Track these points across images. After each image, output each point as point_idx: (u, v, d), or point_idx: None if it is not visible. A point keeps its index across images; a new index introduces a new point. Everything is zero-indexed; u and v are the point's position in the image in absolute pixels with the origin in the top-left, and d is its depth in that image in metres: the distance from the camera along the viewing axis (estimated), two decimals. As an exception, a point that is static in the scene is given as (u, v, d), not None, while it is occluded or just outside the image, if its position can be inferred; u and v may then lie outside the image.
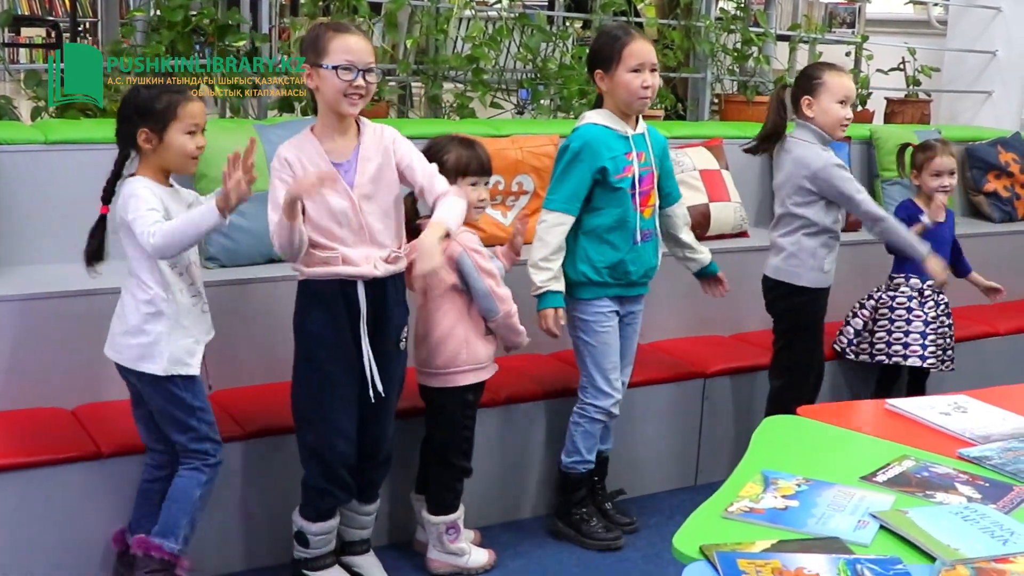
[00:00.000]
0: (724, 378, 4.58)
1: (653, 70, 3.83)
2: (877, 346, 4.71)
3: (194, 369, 3.23)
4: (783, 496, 2.49)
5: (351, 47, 3.27)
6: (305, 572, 3.57)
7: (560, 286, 3.82)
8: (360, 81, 3.26)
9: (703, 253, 4.17)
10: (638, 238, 3.88)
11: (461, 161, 3.66)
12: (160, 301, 3.18)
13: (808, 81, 4.24)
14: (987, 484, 2.65)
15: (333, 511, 3.53)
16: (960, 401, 3.28)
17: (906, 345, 4.64)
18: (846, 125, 4.21)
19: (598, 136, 3.81)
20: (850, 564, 2.14)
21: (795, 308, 4.32)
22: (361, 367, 3.40)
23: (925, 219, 4.59)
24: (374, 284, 3.38)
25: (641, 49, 3.80)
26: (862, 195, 4.23)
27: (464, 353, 3.69)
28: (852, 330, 4.79)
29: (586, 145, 3.79)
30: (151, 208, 3.11)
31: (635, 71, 3.79)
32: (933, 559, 2.22)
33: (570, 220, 3.82)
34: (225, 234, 3.89)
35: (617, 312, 3.97)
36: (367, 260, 3.35)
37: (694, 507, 2.46)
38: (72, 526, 3.37)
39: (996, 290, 4.92)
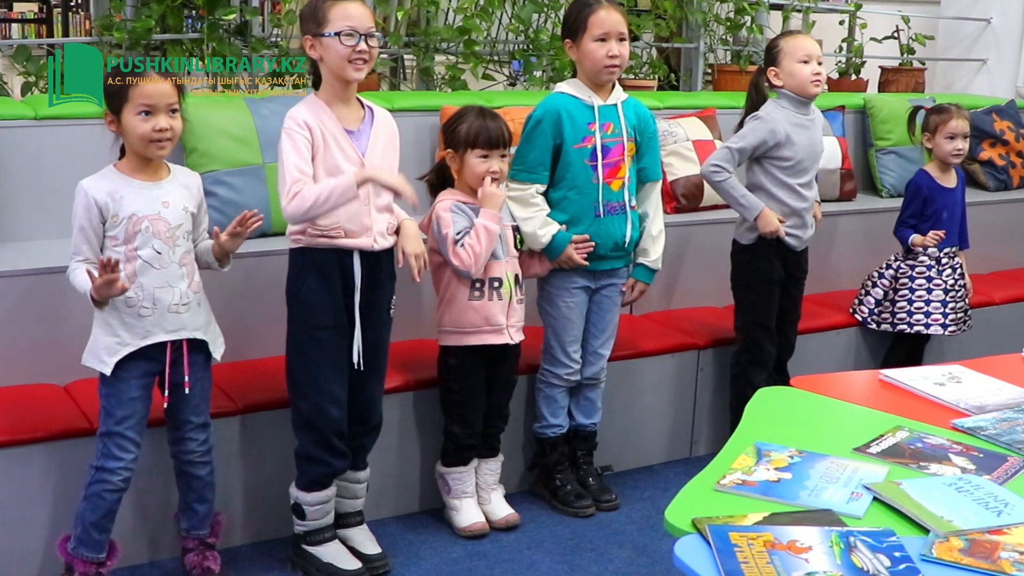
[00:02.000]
0: (718, 349, 4.56)
1: (621, 39, 3.81)
2: (898, 315, 4.78)
3: (105, 368, 3.12)
4: (776, 468, 2.49)
5: (351, 13, 3.29)
6: (304, 546, 3.58)
7: (556, 226, 3.84)
8: (363, 46, 3.28)
9: (647, 256, 4.06)
10: (601, 210, 3.86)
11: (470, 133, 3.69)
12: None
13: (769, 54, 4.29)
14: (981, 455, 2.65)
15: (328, 480, 3.54)
16: (954, 371, 3.29)
17: (927, 314, 4.72)
18: (818, 81, 4.19)
19: (561, 105, 3.83)
20: (843, 536, 2.14)
21: (736, 266, 4.34)
22: (352, 335, 3.43)
23: (930, 241, 4.68)
24: (370, 256, 3.40)
25: (607, 18, 3.78)
26: (725, 148, 4.19)
27: (446, 315, 3.78)
28: (873, 300, 4.85)
29: (547, 114, 3.81)
30: (81, 227, 3.09)
31: (600, 40, 3.78)
32: (927, 531, 2.22)
33: (537, 187, 3.83)
34: (218, 209, 3.87)
35: (588, 287, 3.97)
36: (367, 232, 3.36)
37: (689, 479, 2.47)
38: (67, 502, 3.36)
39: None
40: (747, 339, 4.35)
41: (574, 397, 4.10)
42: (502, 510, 3.94)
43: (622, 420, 4.38)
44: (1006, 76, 7.26)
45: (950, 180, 4.81)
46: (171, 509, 3.47)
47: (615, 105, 3.89)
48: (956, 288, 4.79)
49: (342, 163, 3.31)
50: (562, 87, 3.91)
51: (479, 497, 3.94)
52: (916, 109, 4.99)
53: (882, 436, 2.74)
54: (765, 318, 4.32)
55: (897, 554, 2.09)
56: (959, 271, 4.83)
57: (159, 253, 3.12)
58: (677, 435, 4.58)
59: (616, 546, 3.85)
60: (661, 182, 4.15)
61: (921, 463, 2.58)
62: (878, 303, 4.84)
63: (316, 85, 3.43)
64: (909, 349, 4.88)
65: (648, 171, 4.01)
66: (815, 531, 2.16)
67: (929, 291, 4.72)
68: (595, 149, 3.83)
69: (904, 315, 4.76)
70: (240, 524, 3.68)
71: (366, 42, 3.28)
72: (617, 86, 3.93)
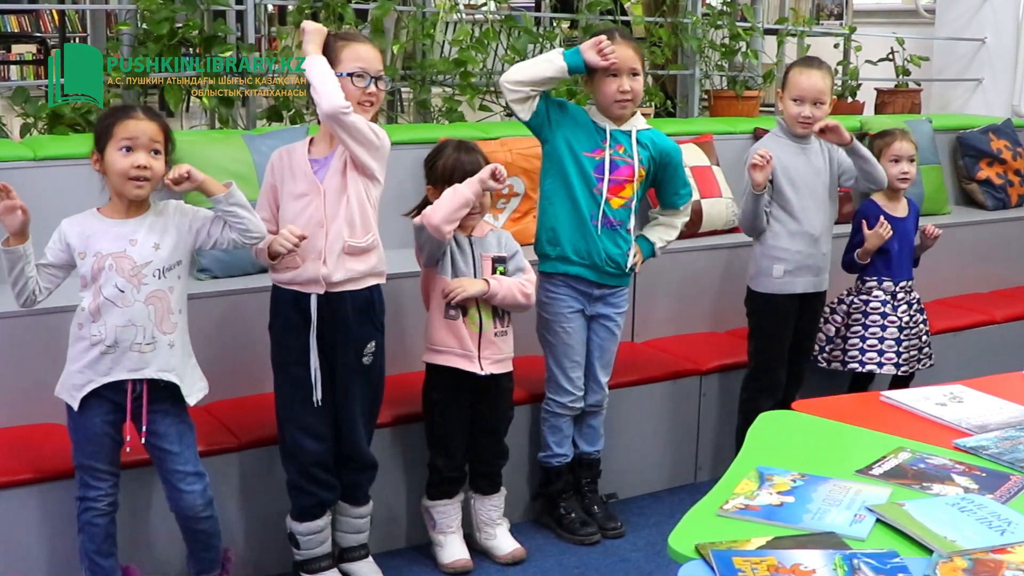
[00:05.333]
0: (720, 374, 4.57)
1: (634, 75, 3.87)
2: (850, 353, 4.53)
3: (73, 402, 3.13)
4: (778, 492, 2.48)
5: (362, 55, 3.35)
6: (302, 574, 3.61)
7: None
8: (373, 88, 3.33)
9: (650, 235, 4.12)
10: (599, 222, 3.89)
11: (447, 167, 3.70)
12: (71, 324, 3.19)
13: (784, 75, 4.32)
14: (984, 474, 2.65)
15: (319, 511, 3.56)
16: (956, 391, 3.28)
17: (881, 352, 4.48)
18: (805, 123, 4.19)
19: (579, 112, 3.94)
20: (847, 559, 2.14)
21: (752, 298, 4.36)
22: (327, 371, 3.46)
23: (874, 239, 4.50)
24: (329, 298, 3.41)
25: (618, 54, 3.82)
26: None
27: (427, 330, 3.79)
28: (824, 337, 4.60)
29: (567, 103, 3.95)
30: (47, 248, 3.13)
31: (612, 76, 3.83)
32: (930, 552, 2.21)
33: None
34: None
35: (582, 312, 3.98)
36: (318, 257, 3.37)
37: (693, 505, 2.47)
38: (68, 541, 3.36)
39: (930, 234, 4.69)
40: (758, 366, 4.34)
41: (577, 425, 4.10)
42: (508, 545, 3.93)
43: (626, 447, 4.38)
44: (1002, 95, 7.26)
45: (900, 209, 4.61)
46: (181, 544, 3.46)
47: (628, 132, 3.93)
48: (912, 324, 4.57)
49: (302, 189, 3.39)
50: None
51: (484, 533, 3.93)
52: (861, 136, 4.87)
53: (884, 458, 2.73)
54: (779, 346, 4.32)
55: (901, 575, 2.09)
56: (916, 305, 4.61)
57: (122, 291, 3.08)
58: (681, 461, 4.58)
59: (622, 573, 3.86)
60: (687, 210, 4.20)
61: (924, 484, 2.58)
62: (829, 340, 4.59)
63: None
64: (864, 384, 4.66)
65: (673, 199, 4.11)
66: (819, 554, 2.16)
67: (883, 328, 4.49)
68: (603, 162, 3.87)
69: (856, 352, 4.51)
70: (243, 559, 3.66)
71: (376, 85, 3.33)
72: (638, 116, 3.98)
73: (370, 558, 3.72)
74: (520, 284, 3.76)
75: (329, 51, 3.35)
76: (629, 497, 4.41)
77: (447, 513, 3.86)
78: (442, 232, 3.58)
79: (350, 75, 3.31)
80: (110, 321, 3.09)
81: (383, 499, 3.87)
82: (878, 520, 2.36)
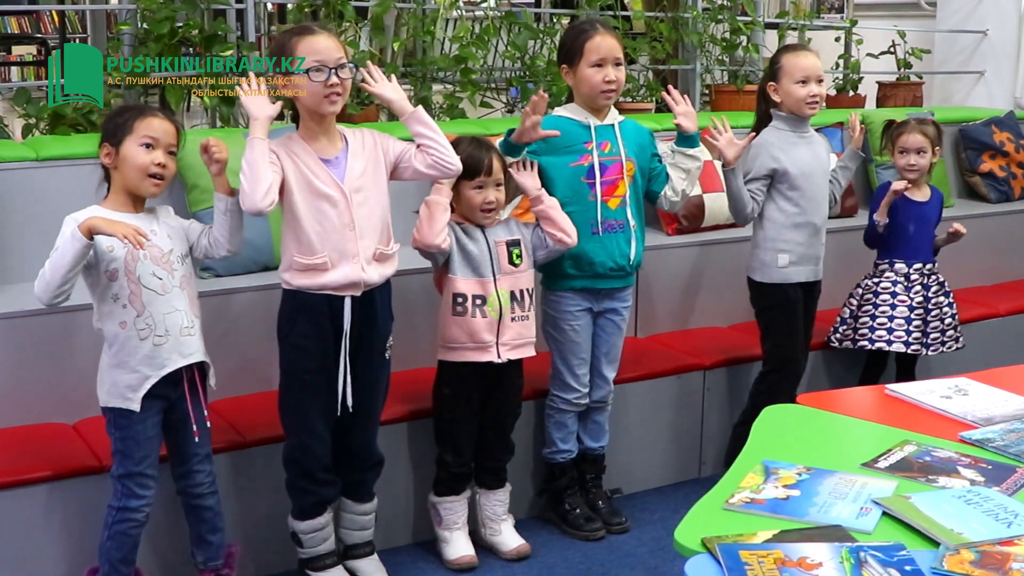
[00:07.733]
0: (724, 369, 4.57)
1: (618, 64, 3.85)
2: (860, 331, 4.61)
3: (132, 404, 3.11)
4: (784, 486, 2.49)
5: (318, 48, 3.27)
6: (308, 571, 3.61)
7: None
8: (334, 79, 3.26)
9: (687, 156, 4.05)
10: (599, 228, 3.88)
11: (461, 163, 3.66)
12: (101, 329, 3.16)
13: (771, 67, 4.29)
14: (990, 467, 2.65)
15: (319, 508, 3.55)
16: (961, 384, 3.28)
17: (890, 331, 4.55)
18: (813, 103, 4.18)
19: (555, 127, 3.83)
20: (853, 552, 2.14)
21: (758, 295, 4.34)
22: (343, 376, 3.43)
23: (897, 185, 4.50)
24: (362, 297, 3.39)
25: (602, 44, 3.82)
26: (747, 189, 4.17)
27: (439, 329, 3.78)
28: (839, 319, 4.71)
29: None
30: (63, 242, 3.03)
31: (597, 66, 3.83)
32: (937, 544, 2.21)
33: None
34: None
35: (590, 309, 3.98)
36: (353, 259, 3.34)
37: (698, 499, 2.47)
38: (76, 540, 3.36)
39: (957, 232, 4.69)
40: (778, 361, 4.31)
41: (582, 421, 4.10)
42: (513, 541, 3.93)
43: (630, 443, 4.37)
44: (1004, 87, 7.26)
45: (920, 194, 4.64)
46: (186, 543, 3.46)
47: (612, 125, 3.92)
48: (930, 307, 4.60)
49: (324, 189, 3.30)
50: (559, 111, 3.95)
51: (489, 529, 3.93)
52: (889, 123, 4.88)
53: (890, 451, 2.74)
54: (796, 334, 4.31)
55: (908, 568, 2.09)
56: (934, 288, 4.64)
57: (160, 279, 3.12)
58: (685, 456, 4.58)
59: (627, 568, 3.85)
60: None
61: (930, 476, 2.58)
62: (843, 321, 4.68)
63: (296, 120, 3.45)
64: (878, 370, 4.75)
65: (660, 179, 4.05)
66: (825, 547, 2.16)
67: (893, 307, 4.55)
68: (592, 167, 3.85)
69: (867, 331, 4.58)
70: (246, 558, 3.65)
71: (337, 75, 3.27)
72: (613, 109, 3.96)
73: (375, 555, 3.71)
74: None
75: (284, 50, 3.30)
76: (633, 492, 4.41)
77: (454, 510, 3.86)
78: (442, 248, 3.62)
79: (307, 71, 3.25)
80: (156, 311, 3.11)
81: (389, 495, 3.86)
82: (884, 513, 2.36)
